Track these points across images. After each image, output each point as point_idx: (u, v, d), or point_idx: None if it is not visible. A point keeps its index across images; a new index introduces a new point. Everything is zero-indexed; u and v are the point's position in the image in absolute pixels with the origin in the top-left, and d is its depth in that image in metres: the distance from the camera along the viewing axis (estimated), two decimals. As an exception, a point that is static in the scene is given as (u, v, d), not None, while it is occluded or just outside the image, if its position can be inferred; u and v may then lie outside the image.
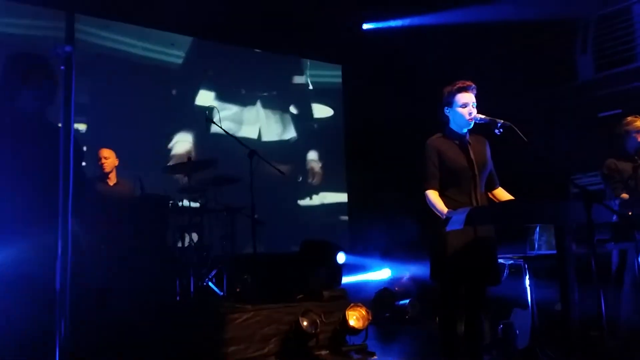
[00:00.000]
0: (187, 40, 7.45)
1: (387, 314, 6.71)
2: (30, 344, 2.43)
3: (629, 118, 4.30)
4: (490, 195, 3.51)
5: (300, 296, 5.18)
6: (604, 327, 3.18)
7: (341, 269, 5.67)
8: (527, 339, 4.36)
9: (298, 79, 8.57)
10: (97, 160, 5.51)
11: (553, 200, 2.85)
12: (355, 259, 7.04)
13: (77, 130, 2.14)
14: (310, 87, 8.65)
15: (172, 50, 7.29)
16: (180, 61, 7.34)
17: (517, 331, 4.28)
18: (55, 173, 2.17)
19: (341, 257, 5.77)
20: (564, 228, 2.94)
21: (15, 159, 2.47)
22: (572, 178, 4.78)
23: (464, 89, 3.36)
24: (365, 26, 8.27)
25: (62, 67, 2.21)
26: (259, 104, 8.04)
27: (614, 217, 3.61)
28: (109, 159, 5.51)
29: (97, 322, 4.00)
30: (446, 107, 3.42)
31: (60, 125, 2.20)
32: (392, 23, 7.88)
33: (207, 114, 5.46)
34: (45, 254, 2.43)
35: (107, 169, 5.49)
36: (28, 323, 2.43)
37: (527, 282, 4.49)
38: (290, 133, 8.30)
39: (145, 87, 6.95)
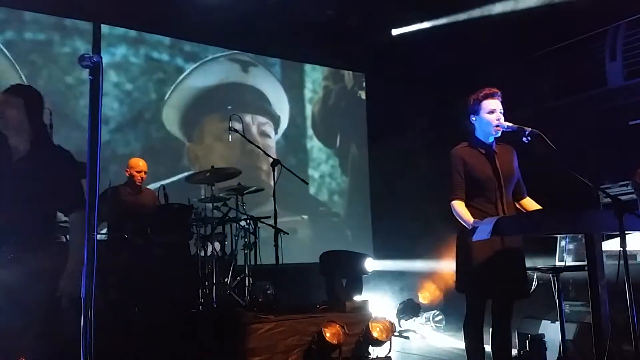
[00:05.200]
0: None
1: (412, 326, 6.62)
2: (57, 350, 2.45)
3: (661, 125, 4.18)
4: (518, 205, 3.43)
5: (323, 307, 5.13)
6: (637, 340, 3.08)
7: (362, 280, 5.55)
8: (556, 352, 4.25)
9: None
10: (127, 169, 5.53)
11: (583, 209, 2.75)
12: (382, 267, 6.93)
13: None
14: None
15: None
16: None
17: (547, 344, 4.17)
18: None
19: (370, 264, 5.62)
20: (595, 238, 2.85)
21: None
22: (603, 187, 4.65)
23: (491, 96, 3.30)
24: (395, 31, 8.11)
25: (90, 77, 2.23)
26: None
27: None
28: (141, 169, 5.49)
29: (120, 331, 4.01)
30: (472, 115, 3.36)
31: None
32: (421, 25, 7.73)
33: (229, 122, 5.43)
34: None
35: (138, 180, 5.48)
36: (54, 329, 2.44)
37: (556, 294, 4.38)
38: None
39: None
